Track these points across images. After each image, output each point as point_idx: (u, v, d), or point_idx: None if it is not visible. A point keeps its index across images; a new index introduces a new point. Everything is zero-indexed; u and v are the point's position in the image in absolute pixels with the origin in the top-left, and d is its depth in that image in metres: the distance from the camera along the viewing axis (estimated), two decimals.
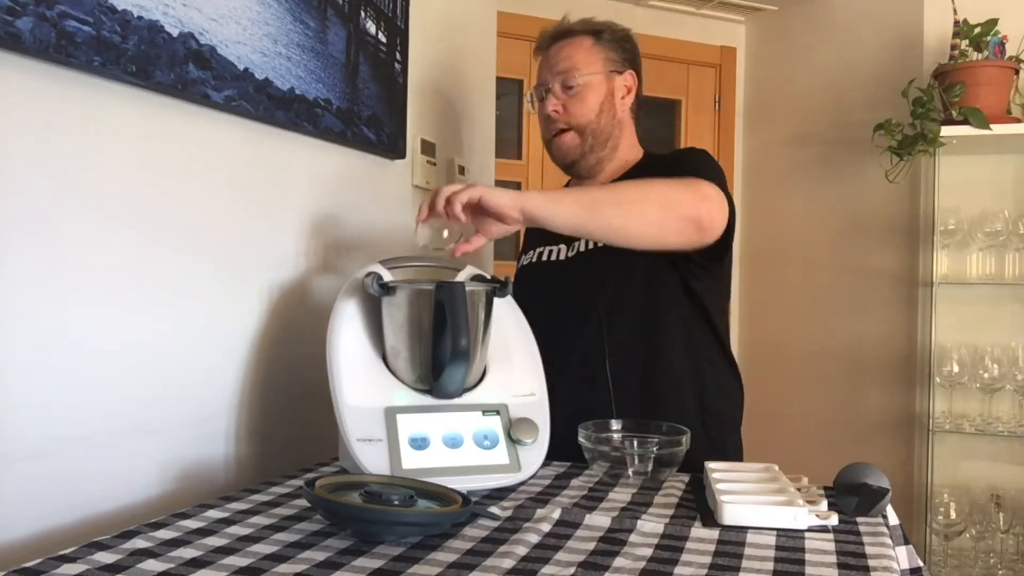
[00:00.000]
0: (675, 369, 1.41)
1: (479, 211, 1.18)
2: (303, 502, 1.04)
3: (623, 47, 1.56)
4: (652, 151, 1.61)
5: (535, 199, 1.19)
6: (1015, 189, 2.67)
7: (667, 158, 1.54)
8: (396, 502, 0.90)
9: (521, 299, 1.34)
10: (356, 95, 1.51)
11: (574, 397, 1.37)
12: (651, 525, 0.96)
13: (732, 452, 1.46)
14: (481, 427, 1.16)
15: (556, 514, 1.00)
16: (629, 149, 1.57)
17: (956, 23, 2.52)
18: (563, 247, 1.52)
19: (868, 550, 0.89)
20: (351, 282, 1.24)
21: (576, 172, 1.58)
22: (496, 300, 1.25)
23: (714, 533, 0.94)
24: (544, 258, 1.55)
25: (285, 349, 1.37)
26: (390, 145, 1.64)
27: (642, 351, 1.41)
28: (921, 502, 2.62)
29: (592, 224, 1.22)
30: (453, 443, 1.14)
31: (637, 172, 1.54)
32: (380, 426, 1.12)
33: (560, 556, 0.86)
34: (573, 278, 1.48)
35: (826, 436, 2.95)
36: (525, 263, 1.59)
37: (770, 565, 0.84)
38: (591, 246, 1.46)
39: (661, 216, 1.25)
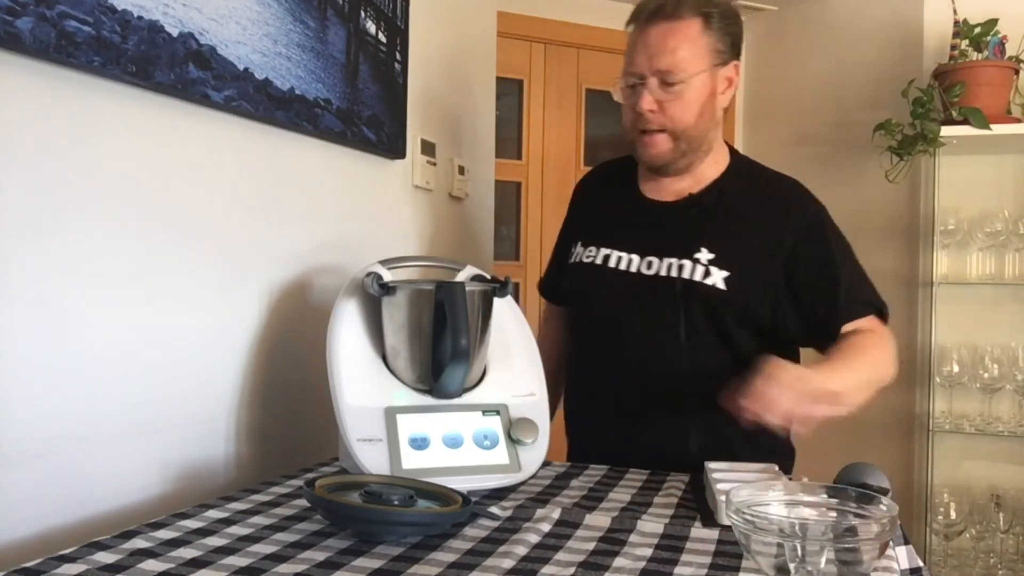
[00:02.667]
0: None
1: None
2: (303, 502, 1.04)
3: (731, 32, 1.38)
4: (736, 153, 1.49)
5: (853, 400, 1.28)
6: (1015, 189, 2.67)
7: (804, 228, 1.46)
8: (396, 502, 0.90)
9: (574, 295, 1.42)
10: (356, 95, 1.51)
11: (641, 412, 1.36)
12: (651, 525, 0.97)
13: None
14: (481, 427, 1.16)
15: (556, 514, 1.00)
16: (720, 149, 1.45)
17: (956, 23, 2.52)
18: (635, 258, 1.39)
19: None
20: (351, 282, 1.24)
21: (663, 173, 1.42)
22: (496, 300, 1.25)
23: (714, 533, 0.94)
24: (612, 264, 1.41)
25: (285, 349, 1.37)
26: (390, 145, 1.64)
27: (723, 373, 1.24)
28: (921, 502, 2.62)
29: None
30: (453, 443, 1.14)
31: (729, 183, 1.41)
32: (380, 426, 1.12)
33: (560, 556, 0.86)
34: (652, 295, 1.36)
35: (826, 436, 2.94)
36: (587, 260, 1.44)
37: None
38: (675, 273, 1.35)
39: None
